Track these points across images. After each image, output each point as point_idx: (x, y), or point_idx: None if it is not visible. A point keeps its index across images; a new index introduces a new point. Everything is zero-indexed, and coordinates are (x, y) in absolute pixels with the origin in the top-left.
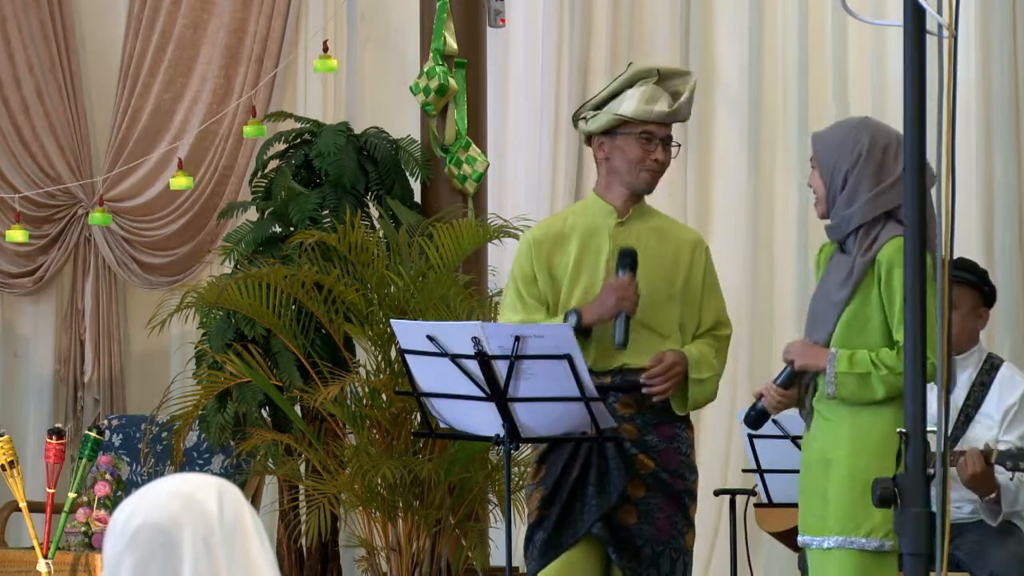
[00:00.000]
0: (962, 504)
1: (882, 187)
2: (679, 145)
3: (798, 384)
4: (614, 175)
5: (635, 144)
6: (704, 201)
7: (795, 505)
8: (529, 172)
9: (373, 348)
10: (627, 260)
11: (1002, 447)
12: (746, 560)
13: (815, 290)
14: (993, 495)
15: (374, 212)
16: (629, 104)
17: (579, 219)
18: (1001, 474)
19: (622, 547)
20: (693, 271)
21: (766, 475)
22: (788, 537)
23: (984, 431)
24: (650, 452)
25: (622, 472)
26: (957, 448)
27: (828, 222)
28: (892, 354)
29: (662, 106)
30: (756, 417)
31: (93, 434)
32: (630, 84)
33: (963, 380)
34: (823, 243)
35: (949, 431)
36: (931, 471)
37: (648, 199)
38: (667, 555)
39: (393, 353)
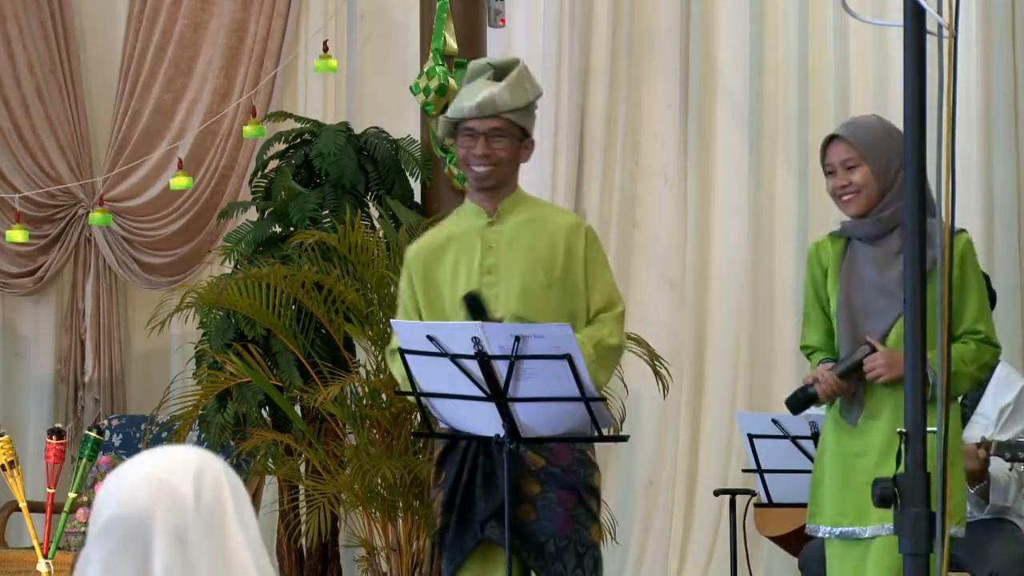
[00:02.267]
0: (971, 507)
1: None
2: (517, 135)
3: (853, 376)
4: None
5: (461, 143)
6: (705, 200)
7: (794, 505)
8: (528, 173)
9: (373, 348)
10: (474, 306)
11: (1004, 440)
12: (746, 560)
13: (848, 284)
14: (982, 484)
15: (374, 212)
16: (452, 105)
17: (454, 226)
18: (995, 468)
19: (526, 545)
20: (572, 256)
21: (766, 475)
22: (787, 541)
23: (980, 431)
24: (540, 449)
25: (507, 469)
26: None
27: (860, 221)
28: (970, 348)
29: (474, 100)
30: (804, 401)
31: (93, 434)
32: (467, 81)
33: None
34: (819, 239)
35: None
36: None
37: (647, 197)
38: (571, 549)
39: None
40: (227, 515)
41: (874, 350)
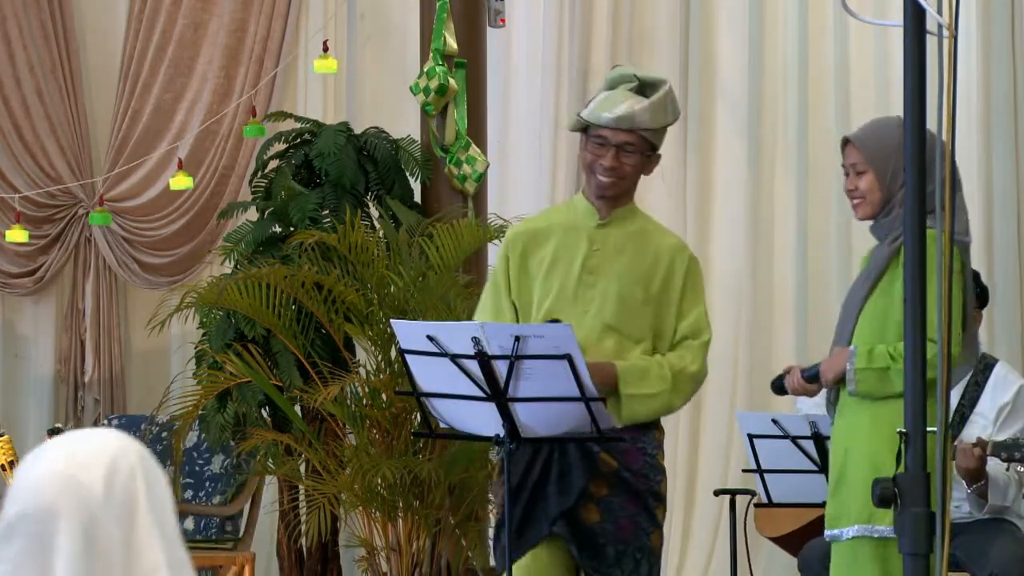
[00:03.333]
0: (961, 504)
1: (930, 189)
2: (647, 152)
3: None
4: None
5: (589, 148)
6: (704, 202)
7: (795, 505)
8: (529, 172)
9: (373, 348)
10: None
11: (1000, 440)
12: (746, 560)
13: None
14: (980, 483)
15: (374, 212)
16: (589, 108)
17: (561, 217)
18: (994, 468)
19: (584, 545)
20: (672, 277)
21: (766, 475)
22: (787, 542)
23: (979, 430)
24: (613, 451)
25: (582, 471)
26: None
27: (872, 223)
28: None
29: (613, 112)
30: (779, 388)
31: None
32: (609, 88)
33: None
34: (872, 247)
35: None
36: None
37: (646, 198)
38: (630, 555)
39: (393, 353)
40: (139, 511)
41: None
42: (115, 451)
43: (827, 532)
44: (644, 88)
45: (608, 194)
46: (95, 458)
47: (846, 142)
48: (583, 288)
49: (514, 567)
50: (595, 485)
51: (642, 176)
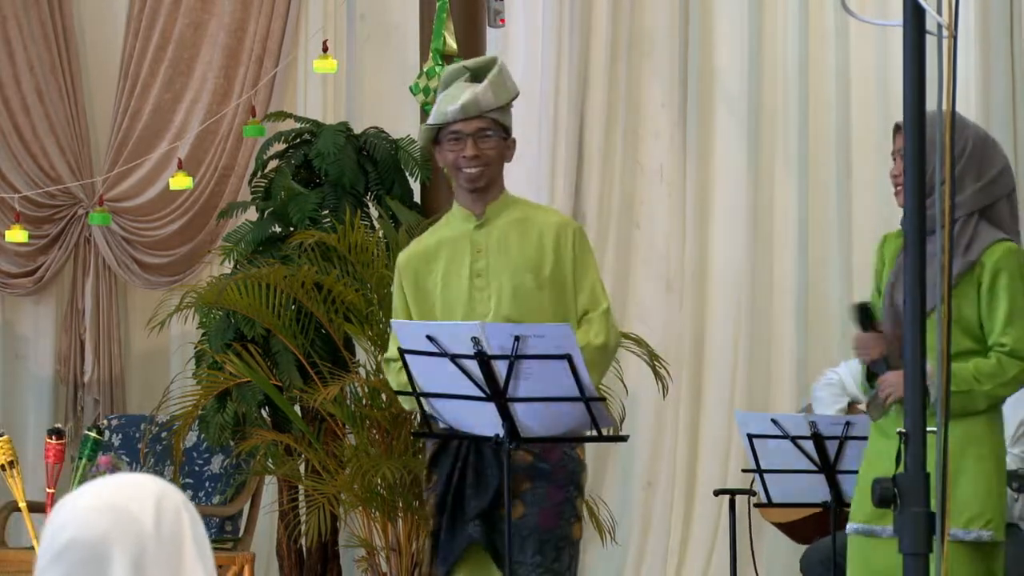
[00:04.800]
0: None
1: (987, 180)
2: (501, 134)
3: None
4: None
5: (447, 147)
6: (704, 202)
7: (795, 505)
8: (528, 172)
9: (373, 348)
10: (862, 316)
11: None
12: (749, 558)
13: (890, 284)
14: None
15: (374, 212)
16: (433, 111)
17: (444, 231)
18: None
19: (511, 539)
20: (561, 255)
21: (766, 475)
22: (791, 529)
23: None
24: (530, 446)
25: (496, 469)
26: None
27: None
28: (991, 363)
29: (457, 103)
30: (861, 313)
31: (93, 434)
32: (445, 88)
33: None
34: (886, 234)
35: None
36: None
37: (646, 198)
38: (552, 543)
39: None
40: (185, 546)
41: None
42: (160, 489)
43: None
44: (477, 74)
45: (479, 185)
46: (143, 493)
47: (898, 128)
48: (476, 291)
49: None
50: (516, 481)
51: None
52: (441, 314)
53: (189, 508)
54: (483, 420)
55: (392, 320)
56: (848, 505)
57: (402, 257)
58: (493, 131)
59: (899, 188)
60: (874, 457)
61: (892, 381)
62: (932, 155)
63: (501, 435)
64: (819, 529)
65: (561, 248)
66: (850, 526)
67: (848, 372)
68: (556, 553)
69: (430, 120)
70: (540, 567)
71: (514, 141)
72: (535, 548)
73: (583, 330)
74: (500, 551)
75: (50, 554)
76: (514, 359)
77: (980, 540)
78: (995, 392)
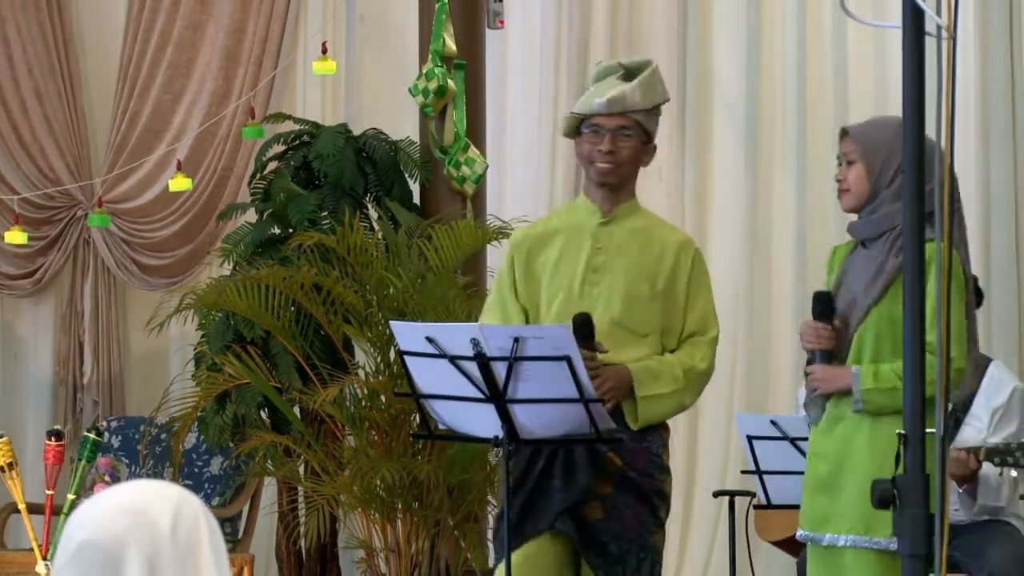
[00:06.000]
0: (959, 506)
1: (929, 187)
2: (642, 136)
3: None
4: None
5: (586, 139)
6: (702, 202)
7: (794, 507)
8: (528, 173)
9: (372, 350)
10: (583, 331)
11: (991, 444)
12: (747, 560)
13: (839, 286)
14: (967, 485)
15: (373, 214)
16: (579, 101)
17: (564, 219)
18: (985, 468)
19: (588, 543)
20: (677, 273)
21: (765, 477)
22: (788, 545)
23: (974, 433)
24: (619, 450)
25: (587, 467)
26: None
27: (854, 218)
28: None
29: (605, 96)
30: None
31: (92, 436)
32: (596, 79)
33: None
34: (835, 246)
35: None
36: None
37: (645, 198)
38: (633, 553)
39: (392, 355)
40: (202, 552)
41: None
42: (180, 496)
43: (808, 533)
44: (630, 73)
45: (609, 180)
46: (162, 499)
47: (844, 133)
48: (589, 286)
49: (514, 559)
50: (599, 483)
51: (641, 173)
52: (546, 301)
53: (208, 516)
54: (482, 421)
55: (391, 322)
56: None
57: (516, 235)
58: (633, 132)
59: (843, 192)
60: (816, 459)
61: (820, 375)
62: (875, 162)
63: (500, 436)
64: None
65: (679, 266)
66: (800, 532)
67: None
68: (637, 563)
69: (575, 108)
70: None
71: (654, 147)
72: (617, 556)
73: (688, 352)
74: (585, 551)
75: (66, 556)
76: (513, 360)
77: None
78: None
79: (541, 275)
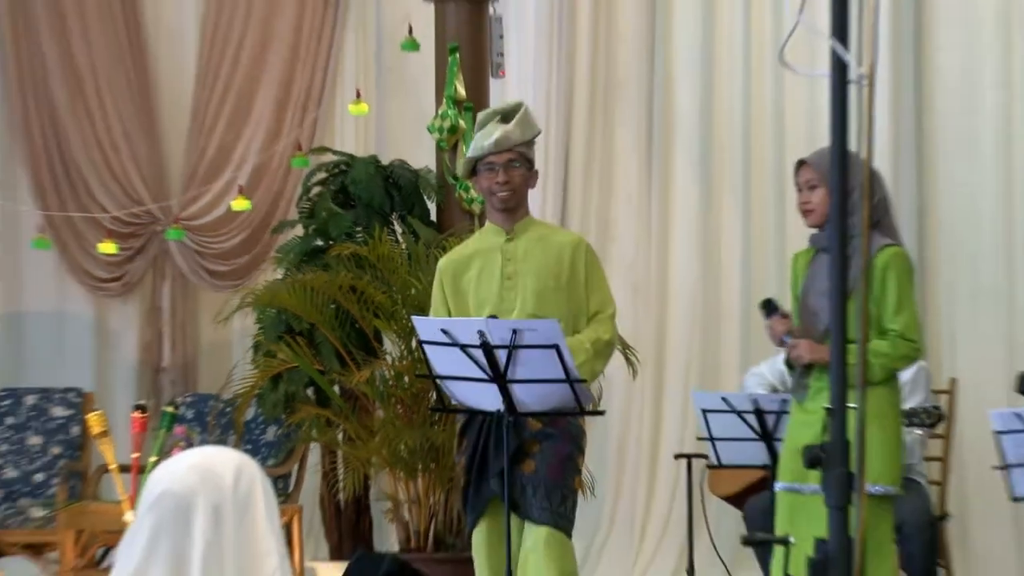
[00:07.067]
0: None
1: (875, 202)
2: (526, 165)
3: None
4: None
5: (484, 176)
6: (665, 221)
7: (739, 467)
8: None
9: (397, 339)
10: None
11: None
12: (702, 511)
13: (803, 290)
14: None
15: (398, 229)
16: (471, 146)
17: (478, 243)
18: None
19: (521, 493)
20: (576, 267)
21: (716, 442)
22: (734, 499)
23: None
24: (540, 417)
25: (514, 433)
26: None
27: (818, 232)
28: (885, 343)
29: (491, 139)
30: (767, 306)
31: (170, 409)
32: (480, 128)
33: None
34: (795, 253)
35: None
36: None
37: (618, 218)
38: (558, 492)
39: (414, 343)
40: (258, 504)
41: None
42: (240, 459)
43: (790, 484)
44: (506, 116)
45: (509, 205)
46: (226, 460)
47: (801, 164)
48: (506, 291)
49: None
50: (529, 444)
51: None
52: (474, 309)
53: (263, 478)
54: (487, 398)
55: (413, 316)
56: None
57: (442, 262)
58: (520, 162)
59: (808, 212)
60: (795, 428)
61: (804, 349)
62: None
63: (502, 409)
64: (756, 495)
65: (576, 261)
66: (778, 484)
67: (768, 368)
68: (561, 499)
69: (469, 154)
70: (547, 510)
71: (537, 172)
72: (544, 495)
73: (594, 327)
74: (516, 500)
75: (147, 504)
76: (512, 348)
77: (887, 494)
78: (888, 365)
79: (467, 291)
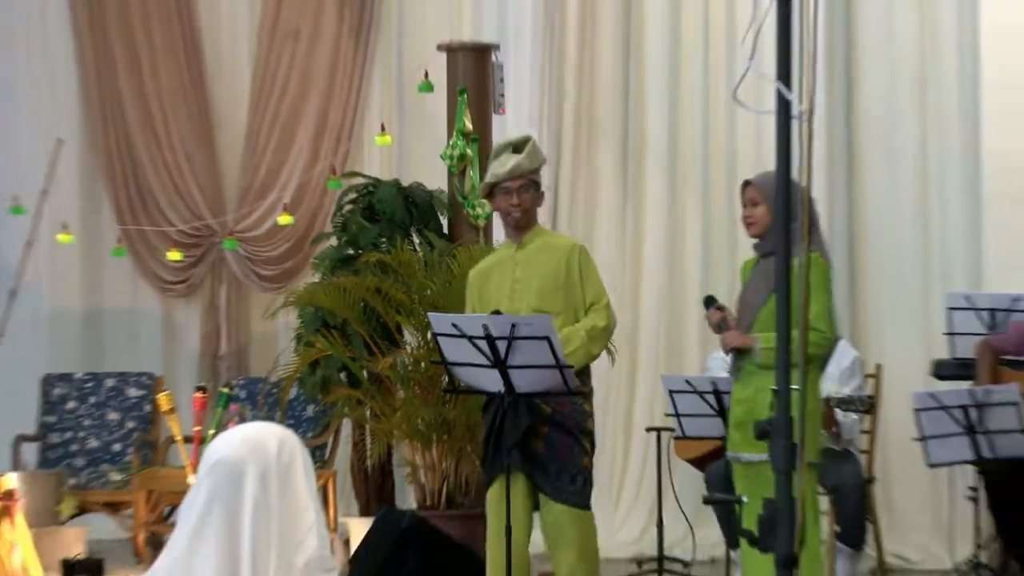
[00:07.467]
0: (831, 441)
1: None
2: (535, 188)
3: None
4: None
5: (500, 198)
6: (638, 230)
7: (700, 438)
8: None
9: (416, 332)
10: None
11: (839, 396)
12: (669, 478)
13: (743, 289)
14: (834, 429)
15: (416, 240)
16: (489, 173)
17: (498, 255)
18: (841, 417)
19: (535, 468)
20: (571, 267)
21: (682, 418)
22: (697, 462)
23: (831, 384)
24: (550, 402)
25: (525, 415)
26: None
27: (759, 241)
28: (795, 334)
29: (506, 167)
30: (709, 303)
31: (226, 390)
32: (496, 157)
33: None
34: (745, 260)
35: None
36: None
37: (598, 228)
38: (567, 471)
39: (429, 335)
40: (298, 472)
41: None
42: (283, 432)
43: (734, 454)
44: (517, 147)
45: (521, 224)
46: (272, 433)
47: (746, 184)
48: (516, 291)
49: (493, 487)
50: (539, 425)
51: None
52: (494, 306)
53: (302, 448)
54: (490, 381)
55: (429, 313)
56: None
57: (472, 273)
58: (530, 186)
59: (751, 224)
60: (733, 406)
61: (731, 336)
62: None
63: (502, 391)
64: (715, 460)
65: (571, 263)
66: (728, 453)
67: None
68: (571, 478)
69: (487, 179)
70: (560, 490)
71: (543, 194)
72: (555, 474)
73: (591, 316)
74: (530, 472)
75: (204, 469)
76: (511, 340)
77: (811, 463)
78: (811, 352)
79: (491, 295)
